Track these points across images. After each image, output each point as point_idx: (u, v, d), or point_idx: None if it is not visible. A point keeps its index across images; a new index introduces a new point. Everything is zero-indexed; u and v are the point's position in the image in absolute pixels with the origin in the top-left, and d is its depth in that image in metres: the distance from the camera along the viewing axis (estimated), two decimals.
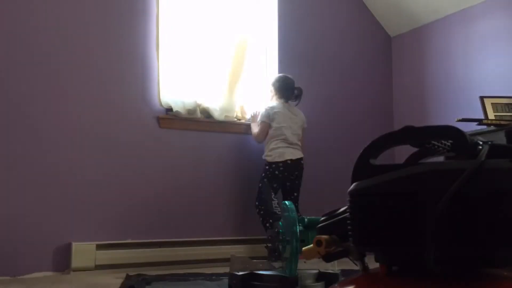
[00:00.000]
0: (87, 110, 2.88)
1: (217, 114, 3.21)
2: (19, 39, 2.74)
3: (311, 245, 0.83)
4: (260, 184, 3.03)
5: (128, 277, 2.46)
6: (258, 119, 3.19)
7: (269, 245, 1.91)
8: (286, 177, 3.06)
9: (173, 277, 2.45)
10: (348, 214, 0.76)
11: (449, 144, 0.80)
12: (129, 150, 2.98)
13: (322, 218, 0.88)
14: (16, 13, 2.75)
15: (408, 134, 0.78)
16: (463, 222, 0.65)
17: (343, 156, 3.54)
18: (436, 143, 0.80)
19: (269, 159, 3.07)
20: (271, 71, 3.56)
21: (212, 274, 2.51)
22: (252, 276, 1.85)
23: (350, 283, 0.79)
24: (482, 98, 2.92)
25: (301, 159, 3.12)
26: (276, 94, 3.19)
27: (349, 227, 0.75)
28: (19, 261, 2.61)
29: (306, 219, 1.83)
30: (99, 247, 2.74)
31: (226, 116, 3.22)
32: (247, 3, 3.40)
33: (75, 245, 2.69)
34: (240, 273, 1.86)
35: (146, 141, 3.03)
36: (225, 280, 2.17)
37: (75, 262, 2.68)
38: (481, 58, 3.35)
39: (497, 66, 3.24)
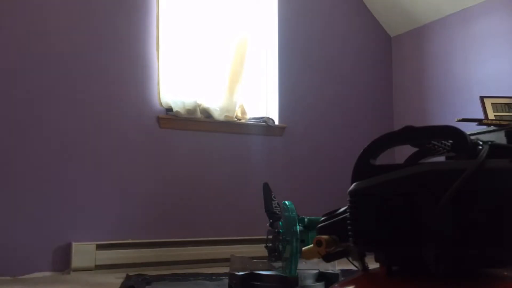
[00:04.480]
0: (87, 110, 2.88)
1: (217, 114, 3.21)
2: (17, 41, 2.74)
3: (311, 245, 0.83)
4: None
5: (128, 277, 2.46)
6: None
7: (269, 245, 1.91)
8: None
9: (173, 277, 2.45)
10: (348, 214, 0.76)
11: (449, 144, 0.80)
12: (129, 150, 2.97)
13: (322, 218, 0.88)
14: (14, 13, 2.75)
15: (408, 134, 0.78)
16: (463, 222, 0.65)
17: (343, 156, 3.55)
18: (436, 143, 0.80)
19: None
20: (271, 71, 3.57)
21: (212, 274, 2.51)
22: (252, 276, 1.85)
23: (350, 283, 0.79)
24: (482, 98, 2.92)
25: None
26: None
27: (349, 227, 0.75)
28: (19, 261, 2.61)
29: (306, 219, 1.83)
30: (99, 247, 2.74)
31: (226, 116, 3.21)
32: (247, 3, 3.40)
33: (75, 245, 2.69)
34: (240, 273, 1.86)
35: (146, 141, 3.03)
36: (225, 280, 2.17)
37: (75, 262, 2.67)
38: (481, 58, 3.35)
39: (497, 66, 3.24)
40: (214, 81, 3.27)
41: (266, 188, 2.04)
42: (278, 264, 1.89)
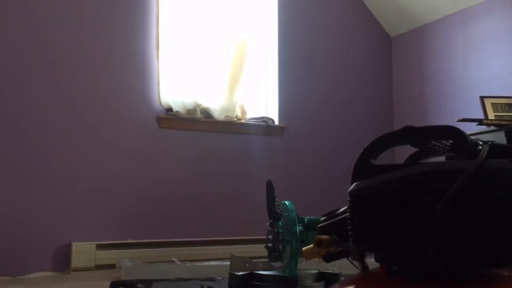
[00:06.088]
0: (87, 110, 2.88)
1: (217, 114, 3.21)
2: (16, 39, 2.74)
3: (311, 245, 0.83)
4: None
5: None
6: None
7: (269, 245, 1.91)
8: None
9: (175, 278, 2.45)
10: (348, 214, 0.76)
11: (449, 144, 0.80)
12: (129, 150, 2.97)
13: (322, 218, 0.88)
14: (13, 12, 2.74)
15: (408, 134, 0.78)
16: (463, 222, 0.65)
17: (343, 156, 3.55)
18: (436, 143, 0.80)
19: None
20: (271, 71, 3.57)
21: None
22: (252, 276, 1.85)
23: (350, 283, 0.79)
24: (482, 98, 2.92)
25: None
26: None
27: (349, 227, 0.75)
28: (19, 261, 2.61)
29: (306, 219, 1.83)
30: (99, 247, 2.74)
31: (226, 116, 3.22)
32: (247, 3, 3.40)
33: (75, 245, 2.69)
34: (240, 273, 1.86)
35: (146, 141, 3.03)
36: (225, 280, 2.16)
37: (75, 262, 2.67)
38: (481, 58, 3.35)
39: (497, 66, 3.24)
40: (214, 81, 3.27)
41: (270, 186, 2.03)
42: (278, 264, 1.88)
